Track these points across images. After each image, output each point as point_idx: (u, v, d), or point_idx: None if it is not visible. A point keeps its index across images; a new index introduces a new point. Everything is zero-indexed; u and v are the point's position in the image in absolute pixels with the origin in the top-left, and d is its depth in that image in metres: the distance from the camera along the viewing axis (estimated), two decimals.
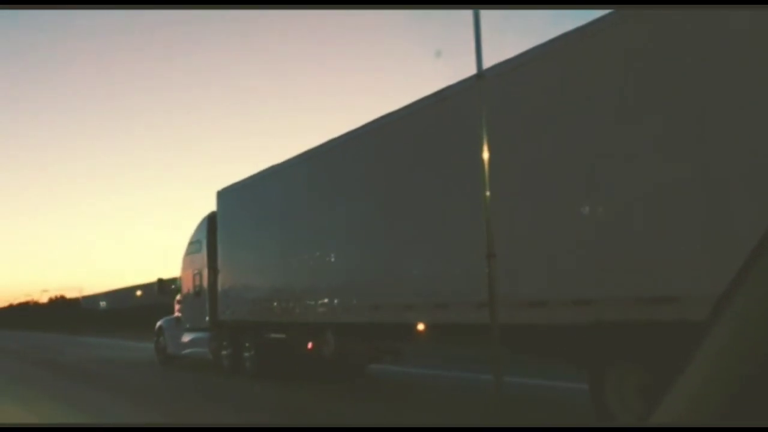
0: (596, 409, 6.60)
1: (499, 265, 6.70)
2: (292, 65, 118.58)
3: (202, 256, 15.38)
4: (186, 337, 16.27)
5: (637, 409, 6.20)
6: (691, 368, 1.07)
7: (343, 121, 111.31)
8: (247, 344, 13.45)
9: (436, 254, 8.69)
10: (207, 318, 14.98)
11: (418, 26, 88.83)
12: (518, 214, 7.36)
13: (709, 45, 5.66)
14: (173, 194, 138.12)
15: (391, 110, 9.77)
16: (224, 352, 14.33)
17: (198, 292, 15.56)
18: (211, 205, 15.39)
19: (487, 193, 6.79)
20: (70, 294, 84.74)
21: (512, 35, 55.13)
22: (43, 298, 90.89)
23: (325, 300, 11.20)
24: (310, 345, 11.88)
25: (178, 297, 17.16)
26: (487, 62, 7.23)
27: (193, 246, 16.11)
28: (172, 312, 17.67)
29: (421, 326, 9.38)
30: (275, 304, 12.61)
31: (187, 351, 16.23)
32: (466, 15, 7.02)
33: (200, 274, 15.49)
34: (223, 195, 15.01)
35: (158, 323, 18.11)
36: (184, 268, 16.52)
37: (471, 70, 7.33)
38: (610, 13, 6.61)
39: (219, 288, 14.71)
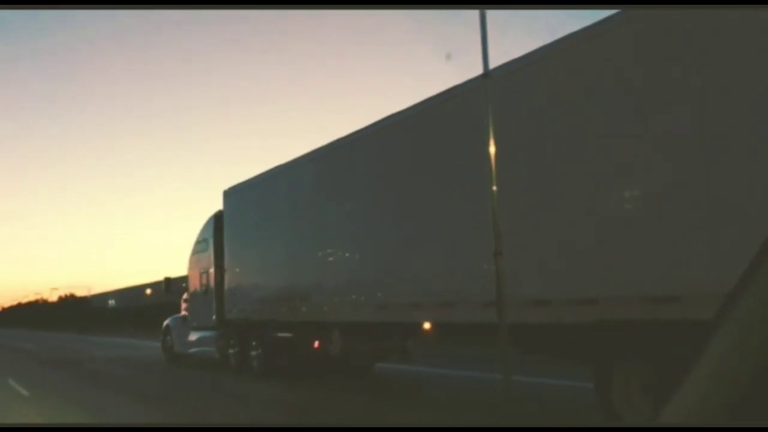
0: (602, 407, 6.61)
1: (504, 263, 6.72)
2: (297, 66, 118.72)
3: (209, 255, 15.44)
4: (193, 336, 16.33)
5: (641, 408, 6.20)
6: (698, 369, 1.07)
7: (350, 122, 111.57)
8: (253, 343, 13.49)
9: (442, 253, 8.71)
10: (214, 317, 15.04)
11: (425, 27, 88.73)
12: (522, 214, 7.37)
13: (712, 45, 5.66)
14: (182, 193, 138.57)
15: (397, 110, 9.79)
16: (231, 351, 14.38)
17: (205, 291, 15.62)
18: (217, 205, 15.47)
19: (494, 189, 6.81)
20: (79, 293, 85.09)
21: (518, 35, 55.04)
22: (53, 297, 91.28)
23: (332, 299, 11.22)
24: (316, 344, 11.91)
25: (185, 296, 17.22)
26: (494, 62, 7.25)
27: (199, 245, 16.17)
28: (181, 311, 17.72)
29: (427, 325, 9.40)
30: (282, 303, 12.64)
31: (194, 350, 16.30)
32: (472, 15, 7.04)
33: (207, 273, 15.56)
34: (230, 194, 15.06)
35: (165, 322, 18.20)
36: (191, 267, 16.58)
37: (477, 70, 7.35)
38: (616, 13, 6.61)
39: (226, 287, 14.77)
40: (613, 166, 6.51)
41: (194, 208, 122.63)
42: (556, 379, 9.60)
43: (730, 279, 1.12)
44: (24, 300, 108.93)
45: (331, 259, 11.24)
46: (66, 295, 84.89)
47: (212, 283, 15.25)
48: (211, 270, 15.29)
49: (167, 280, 18.89)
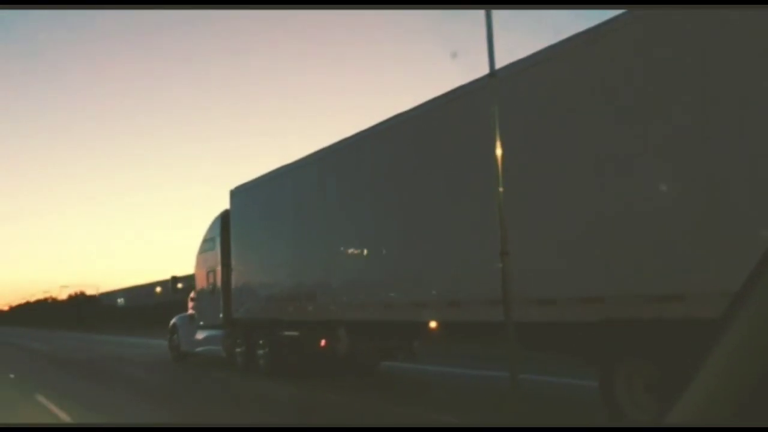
0: (606, 405, 6.62)
1: (510, 263, 6.74)
2: (303, 65, 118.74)
3: (216, 254, 15.47)
4: (200, 335, 16.37)
5: (646, 406, 6.22)
6: (706, 368, 1.08)
7: (356, 121, 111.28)
8: (260, 342, 13.52)
9: (449, 252, 8.72)
10: (221, 315, 15.07)
11: (430, 26, 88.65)
12: (527, 213, 7.38)
13: (715, 45, 5.65)
14: (190, 192, 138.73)
15: (404, 110, 9.80)
16: (238, 350, 14.42)
17: (212, 289, 15.65)
18: (224, 204, 15.51)
19: (500, 189, 6.82)
20: (87, 291, 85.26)
21: (524, 35, 54.89)
22: (62, 295, 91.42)
23: (338, 298, 11.25)
24: (323, 342, 11.93)
25: (192, 294, 17.26)
26: (499, 62, 7.25)
27: (206, 244, 16.20)
28: (188, 309, 17.76)
29: (433, 324, 9.42)
30: (288, 302, 12.67)
31: (201, 348, 16.34)
32: (478, 15, 7.04)
33: (214, 271, 15.59)
34: (237, 194, 15.10)
35: (172, 321, 18.23)
36: (198, 265, 16.62)
37: (483, 69, 7.36)
38: (621, 14, 6.61)
39: (233, 285, 14.81)
40: (618, 165, 6.52)
41: (201, 207, 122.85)
42: (564, 377, 9.59)
43: (735, 278, 1.12)
44: (32, 298, 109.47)
45: (337, 258, 11.25)
46: (76, 293, 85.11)
47: (219, 282, 15.28)
48: (218, 269, 15.33)
49: (174, 278, 18.94)
